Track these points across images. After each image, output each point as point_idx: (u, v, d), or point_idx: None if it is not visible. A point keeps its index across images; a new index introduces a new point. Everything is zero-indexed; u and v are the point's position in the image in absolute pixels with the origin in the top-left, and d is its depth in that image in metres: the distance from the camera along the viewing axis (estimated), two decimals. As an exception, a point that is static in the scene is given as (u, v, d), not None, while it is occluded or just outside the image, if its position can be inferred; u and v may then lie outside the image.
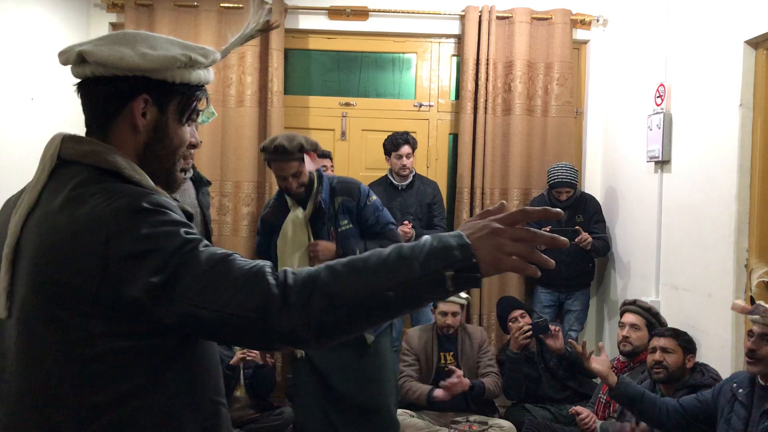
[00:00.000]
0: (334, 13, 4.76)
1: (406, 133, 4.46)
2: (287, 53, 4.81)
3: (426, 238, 1.05)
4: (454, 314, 3.94)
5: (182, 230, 1.07)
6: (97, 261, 1.03)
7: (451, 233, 1.05)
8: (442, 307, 3.92)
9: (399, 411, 3.81)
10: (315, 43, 4.89)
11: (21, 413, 1.10)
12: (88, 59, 1.14)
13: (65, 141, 1.17)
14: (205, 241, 1.09)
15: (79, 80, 1.20)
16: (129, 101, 1.17)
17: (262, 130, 4.66)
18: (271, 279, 1.03)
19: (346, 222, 3.10)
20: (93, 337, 1.06)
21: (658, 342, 3.07)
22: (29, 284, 1.08)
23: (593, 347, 4.54)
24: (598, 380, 3.78)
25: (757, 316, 2.45)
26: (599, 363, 2.95)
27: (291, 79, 4.89)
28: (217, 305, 1.01)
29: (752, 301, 2.57)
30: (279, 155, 2.98)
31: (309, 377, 3.14)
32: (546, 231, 4.22)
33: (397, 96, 4.98)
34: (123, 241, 1.03)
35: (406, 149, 4.36)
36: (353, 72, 4.97)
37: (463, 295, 4.03)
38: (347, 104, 4.87)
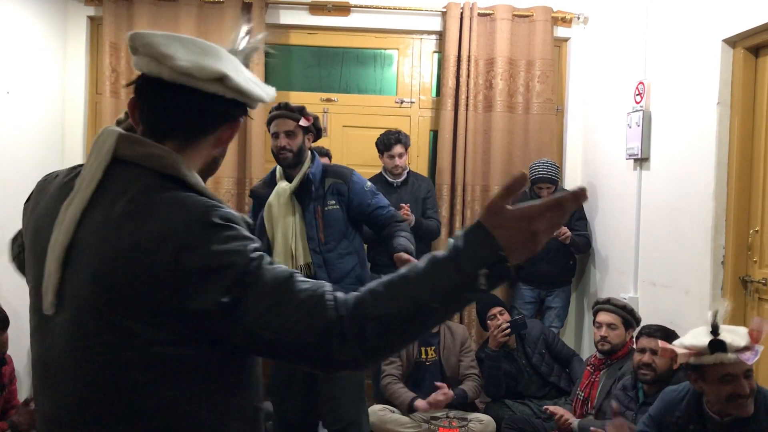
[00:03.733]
0: (316, 8, 4.74)
1: (398, 131, 4.40)
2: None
3: (451, 241, 1.05)
4: None
5: (249, 247, 1.09)
6: (168, 273, 1.05)
7: (474, 230, 1.03)
8: None
9: (379, 407, 3.83)
10: (296, 39, 4.87)
11: (67, 408, 1.12)
12: (228, 84, 1.17)
13: (121, 140, 1.16)
14: (268, 257, 1.11)
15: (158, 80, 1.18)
16: (230, 121, 1.24)
17: (243, 126, 4.56)
18: (331, 311, 1.04)
19: (333, 203, 3.09)
20: (149, 344, 1.07)
21: (649, 343, 2.99)
22: (87, 286, 1.08)
23: (572, 344, 4.60)
24: (577, 375, 3.81)
25: (732, 355, 2.19)
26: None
27: (271, 74, 4.86)
28: (281, 329, 1.04)
29: (718, 344, 2.22)
30: (280, 110, 3.08)
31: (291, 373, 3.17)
32: None
33: (378, 92, 4.97)
34: (194, 255, 1.05)
35: (398, 149, 4.30)
36: (334, 68, 4.95)
37: None
38: (328, 100, 4.85)
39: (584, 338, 4.76)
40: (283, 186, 3.09)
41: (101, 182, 1.13)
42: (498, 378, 3.91)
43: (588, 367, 3.55)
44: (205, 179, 1.25)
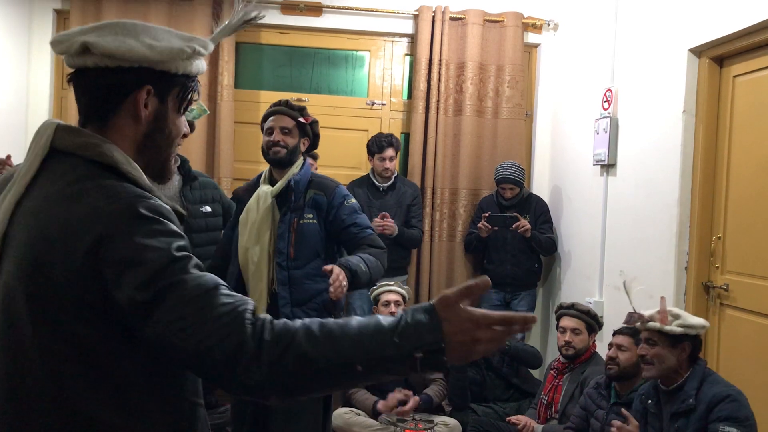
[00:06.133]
0: (287, 8, 4.71)
1: (391, 135, 4.41)
2: (238, 47, 4.75)
3: (401, 314, 1.05)
4: (396, 303, 3.94)
5: (174, 245, 1.06)
6: (88, 260, 1.02)
7: (425, 311, 1.04)
8: (384, 297, 3.90)
9: (345, 410, 3.81)
10: (267, 38, 4.83)
11: None
12: (93, 50, 1.12)
13: (58, 131, 1.14)
14: (195, 260, 1.08)
15: (72, 69, 1.18)
16: (132, 92, 1.17)
17: (211, 124, 4.59)
18: (248, 328, 1.02)
19: (311, 216, 2.86)
20: (73, 335, 1.04)
21: (615, 339, 3.06)
22: (16, 275, 1.06)
23: (538, 347, 4.63)
24: (540, 376, 3.84)
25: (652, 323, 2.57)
26: None
27: (242, 73, 4.82)
28: (191, 339, 1.01)
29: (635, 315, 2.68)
30: (279, 106, 2.92)
31: None
32: (485, 216, 4.32)
33: (349, 93, 4.96)
34: (115, 244, 1.02)
35: (389, 152, 4.32)
36: (306, 68, 4.93)
37: (401, 289, 4.02)
38: (299, 100, 4.80)
39: (549, 342, 4.80)
40: (264, 189, 2.87)
41: (39, 173, 1.12)
42: (464, 389, 3.90)
43: (551, 371, 3.57)
44: (155, 163, 1.23)
